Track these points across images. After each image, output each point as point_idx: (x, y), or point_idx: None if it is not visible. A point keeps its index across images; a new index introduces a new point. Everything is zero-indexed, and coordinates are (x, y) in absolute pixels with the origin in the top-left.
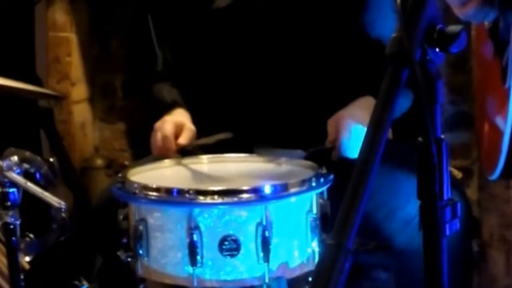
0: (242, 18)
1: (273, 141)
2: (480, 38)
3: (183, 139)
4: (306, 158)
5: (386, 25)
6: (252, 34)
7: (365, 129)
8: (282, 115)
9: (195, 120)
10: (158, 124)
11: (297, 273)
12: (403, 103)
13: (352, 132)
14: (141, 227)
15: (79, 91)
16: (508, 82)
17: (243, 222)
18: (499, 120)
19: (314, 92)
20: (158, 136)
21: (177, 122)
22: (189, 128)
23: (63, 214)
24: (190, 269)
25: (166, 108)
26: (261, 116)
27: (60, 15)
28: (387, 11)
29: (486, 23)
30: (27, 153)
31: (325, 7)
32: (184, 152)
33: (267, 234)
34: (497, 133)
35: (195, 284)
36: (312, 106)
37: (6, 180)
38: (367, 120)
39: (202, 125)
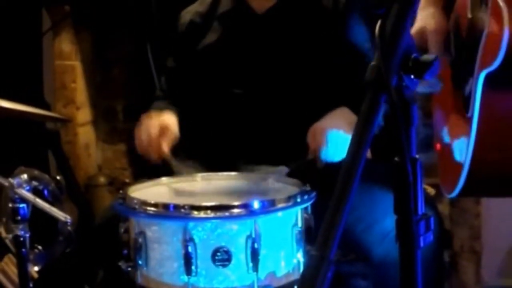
0: (227, 51)
1: (258, 159)
2: None
3: (165, 145)
4: (290, 173)
5: (359, 37)
6: (237, 63)
7: (341, 133)
8: (266, 135)
9: (187, 140)
10: (144, 120)
11: (283, 281)
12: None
13: (329, 138)
14: (140, 240)
15: (84, 114)
16: (471, 111)
17: (234, 234)
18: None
19: (295, 113)
20: (143, 136)
21: (162, 124)
22: (172, 132)
23: (69, 228)
24: (185, 278)
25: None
26: (247, 137)
27: (66, 45)
28: (359, 28)
29: (448, 57)
30: (36, 172)
31: (304, 35)
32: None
33: (256, 246)
34: (451, 157)
35: None
36: (293, 126)
37: (16, 196)
38: (342, 125)
39: (194, 145)
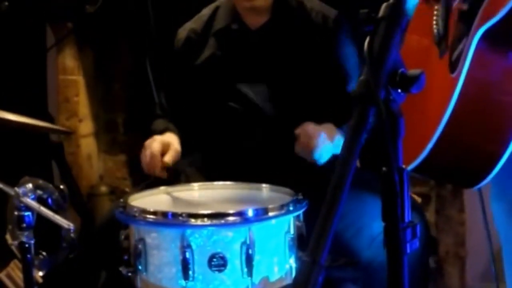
0: (223, 66)
1: (254, 170)
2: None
3: (168, 158)
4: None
5: (350, 66)
6: (233, 77)
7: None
8: (262, 147)
9: (186, 151)
10: (147, 142)
11: (277, 286)
12: None
13: (320, 139)
14: (140, 246)
15: (86, 126)
16: (458, 70)
17: (230, 241)
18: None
19: (290, 125)
20: (146, 153)
21: (164, 141)
22: (175, 148)
23: (72, 235)
24: (183, 282)
25: (158, 133)
26: (243, 148)
27: (69, 61)
28: (350, 54)
29: (435, 31)
30: (40, 181)
31: (296, 50)
32: (169, 170)
33: (250, 252)
34: (420, 130)
35: None
36: (288, 138)
37: (22, 204)
38: (327, 135)
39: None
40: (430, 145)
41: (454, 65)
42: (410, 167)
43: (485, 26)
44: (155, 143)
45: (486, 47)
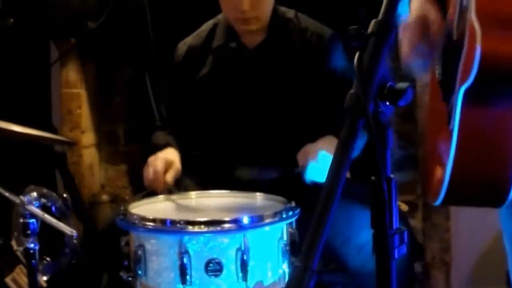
0: (220, 82)
1: (253, 162)
2: (432, 92)
3: (170, 177)
4: (280, 176)
5: (342, 69)
6: (230, 93)
7: (330, 155)
8: (256, 157)
9: (186, 153)
10: (151, 159)
11: None
12: (360, 143)
13: (320, 157)
14: (140, 252)
15: (88, 138)
16: (452, 124)
17: (225, 247)
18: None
19: (282, 138)
20: (150, 171)
21: (167, 159)
22: (177, 167)
23: (75, 241)
24: (181, 287)
25: (160, 148)
26: (238, 159)
27: (72, 74)
28: (341, 61)
29: (438, 76)
30: (45, 190)
31: (291, 69)
32: (169, 188)
33: (245, 257)
34: (435, 167)
35: None
36: (281, 150)
37: (27, 212)
38: (330, 149)
39: (192, 157)
40: (445, 183)
41: (450, 116)
42: (437, 202)
43: (464, 86)
44: (158, 161)
45: (469, 103)
